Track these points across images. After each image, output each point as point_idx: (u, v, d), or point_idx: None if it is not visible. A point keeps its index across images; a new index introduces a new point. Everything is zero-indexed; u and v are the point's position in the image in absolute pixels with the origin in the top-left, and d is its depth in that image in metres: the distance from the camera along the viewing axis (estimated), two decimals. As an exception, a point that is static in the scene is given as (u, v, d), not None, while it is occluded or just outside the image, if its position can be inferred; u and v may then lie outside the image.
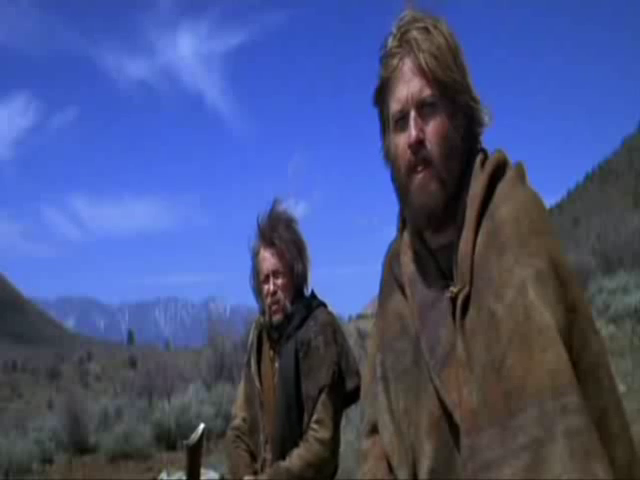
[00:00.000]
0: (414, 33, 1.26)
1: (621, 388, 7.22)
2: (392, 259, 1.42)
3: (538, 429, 1.03)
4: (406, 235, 1.37)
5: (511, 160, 1.28)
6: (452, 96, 1.26)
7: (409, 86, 1.26)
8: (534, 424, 1.03)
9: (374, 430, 1.38)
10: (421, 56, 1.24)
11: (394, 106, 1.29)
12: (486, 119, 1.30)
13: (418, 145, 1.24)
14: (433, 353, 1.22)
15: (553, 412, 1.03)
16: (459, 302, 1.19)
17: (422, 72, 1.25)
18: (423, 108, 1.25)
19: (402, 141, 1.27)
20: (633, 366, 8.00)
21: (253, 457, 2.45)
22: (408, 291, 1.32)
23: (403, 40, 1.27)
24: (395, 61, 1.28)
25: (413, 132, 1.24)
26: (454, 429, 1.16)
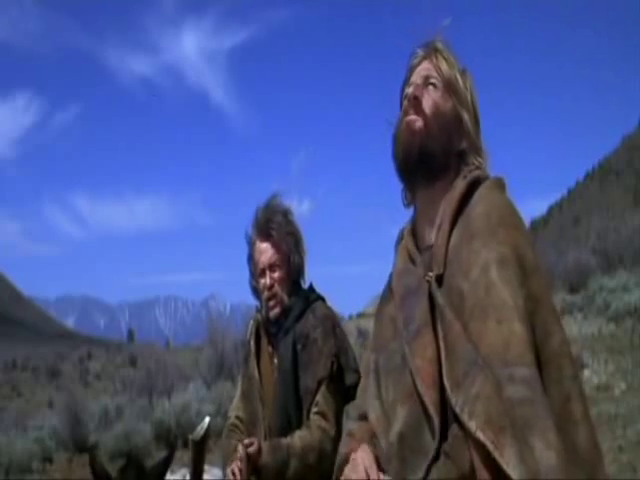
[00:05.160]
0: (440, 47, 1.48)
1: (621, 386, 7.22)
2: (391, 277, 1.54)
3: (486, 388, 1.14)
4: (404, 241, 1.50)
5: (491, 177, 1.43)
6: (453, 96, 1.43)
7: (422, 69, 1.47)
8: (482, 384, 1.14)
9: (361, 418, 1.49)
10: (436, 55, 1.47)
11: (406, 91, 1.48)
12: (482, 159, 1.43)
13: (414, 99, 1.42)
14: (407, 327, 1.35)
15: (500, 378, 1.14)
16: (433, 280, 1.32)
17: (433, 65, 1.46)
18: (428, 85, 1.44)
19: (404, 105, 1.46)
20: (633, 364, 7.99)
21: None
22: (395, 282, 1.45)
23: (429, 47, 1.49)
24: (416, 61, 1.49)
25: (411, 89, 1.45)
26: (421, 398, 1.26)
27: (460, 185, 1.38)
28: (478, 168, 1.42)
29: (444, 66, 1.45)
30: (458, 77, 1.45)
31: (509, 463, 1.08)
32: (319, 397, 2.25)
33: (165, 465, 1.81)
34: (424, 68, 1.47)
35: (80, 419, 8.91)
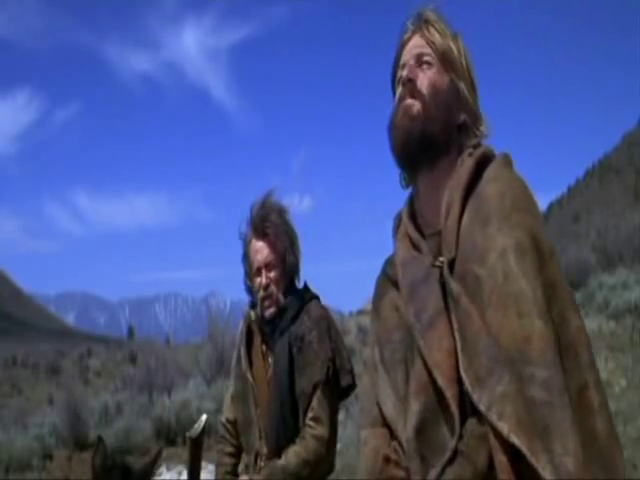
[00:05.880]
0: (430, 17, 1.41)
1: (622, 383, 7.22)
2: (386, 265, 1.49)
3: (512, 387, 1.11)
4: (402, 226, 1.44)
5: (498, 153, 1.38)
6: (448, 72, 1.38)
7: (413, 46, 1.41)
8: (508, 383, 1.12)
9: (374, 424, 1.42)
10: (428, 27, 1.40)
11: (399, 73, 1.42)
12: (482, 127, 1.39)
13: (409, 82, 1.36)
14: (419, 318, 1.28)
15: (522, 377, 1.11)
16: (445, 265, 1.27)
17: (425, 36, 1.40)
18: (422, 64, 1.38)
19: (399, 90, 1.40)
20: (633, 362, 7.99)
21: (239, 453, 2.47)
22: (400, 272, 1.38)
23: (419, 19, 1.42)
24: (406, 36, 1.43)
25: (405, 72, 1.38)
26: (438, 391, 1.22)
27: (468, 163, 1.33)
28: (479, 144, 1.37)
29: (437, 38, 1.39)
30: (452, 45, 1.38)
31: (545, 468, 1.07)
32: (314, 401, 2.25)
33: (151, 466, 1.81)
34: (416, 45, 1.41)
35: (80, 416, 8.91)
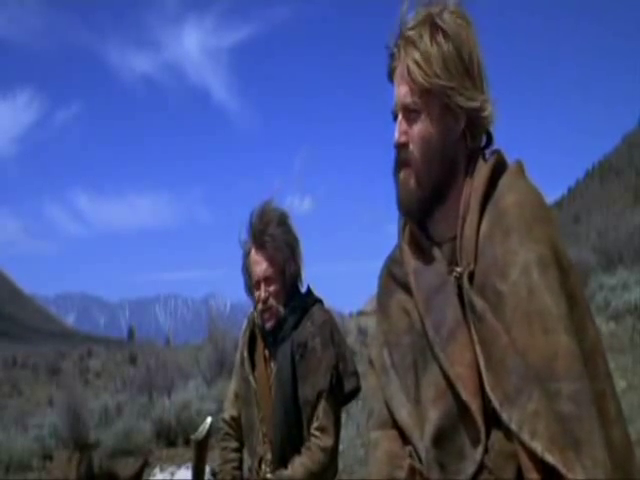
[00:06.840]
0: (410, 35, 1.33)
1: (622, 384, 7.21)
2: (390, 263, 1.47)
3: (542, 404, 1.11)
4: (408, 230, 1.41)
5: (509, 160, 1.36)
6: (438, 100, 1.32)
7: (399, 91, 1.36)
8: (538, 401, 1.11)
9: (383, 425, 1.41)
10: (407, 63, 1.32)
11: (395, 120, 1.38)
12: (488, 116, 1.34)
13: (400, 147, 1.34)
14: (438, 332, 1.27)
15: (550, 393, 1.10)
16: (465, 277, 1.25)
17: (407, 78, 1.33)
18: (409, 113, 1.34)
19: (395, 152, 1.37)
20: (633, 363, 8.00)
21: (241, 449, 2.48)
22: (412, 280, 1.35)
23: (400, 44, 1.35)
24: (394, 64, 1.37)
25: (395, 135, 1.35)
26: (459, 401, 1.21)
27: (483, 171, 1.30)
28: (490, 141, 1.35)
29: (417, 75, 1.30)
30: (434, 66, 1.29)
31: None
32: (319, 411, 2.25)
33: (138, 473, 1.81)
34: (400, 84, 1.34)
35: (80, 417, 8.91)
